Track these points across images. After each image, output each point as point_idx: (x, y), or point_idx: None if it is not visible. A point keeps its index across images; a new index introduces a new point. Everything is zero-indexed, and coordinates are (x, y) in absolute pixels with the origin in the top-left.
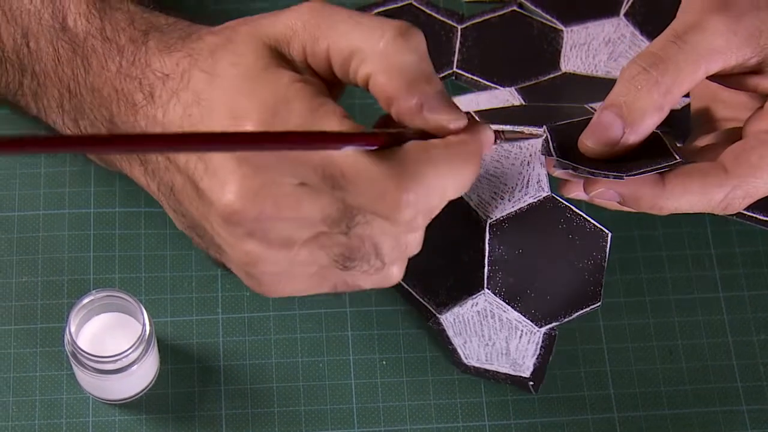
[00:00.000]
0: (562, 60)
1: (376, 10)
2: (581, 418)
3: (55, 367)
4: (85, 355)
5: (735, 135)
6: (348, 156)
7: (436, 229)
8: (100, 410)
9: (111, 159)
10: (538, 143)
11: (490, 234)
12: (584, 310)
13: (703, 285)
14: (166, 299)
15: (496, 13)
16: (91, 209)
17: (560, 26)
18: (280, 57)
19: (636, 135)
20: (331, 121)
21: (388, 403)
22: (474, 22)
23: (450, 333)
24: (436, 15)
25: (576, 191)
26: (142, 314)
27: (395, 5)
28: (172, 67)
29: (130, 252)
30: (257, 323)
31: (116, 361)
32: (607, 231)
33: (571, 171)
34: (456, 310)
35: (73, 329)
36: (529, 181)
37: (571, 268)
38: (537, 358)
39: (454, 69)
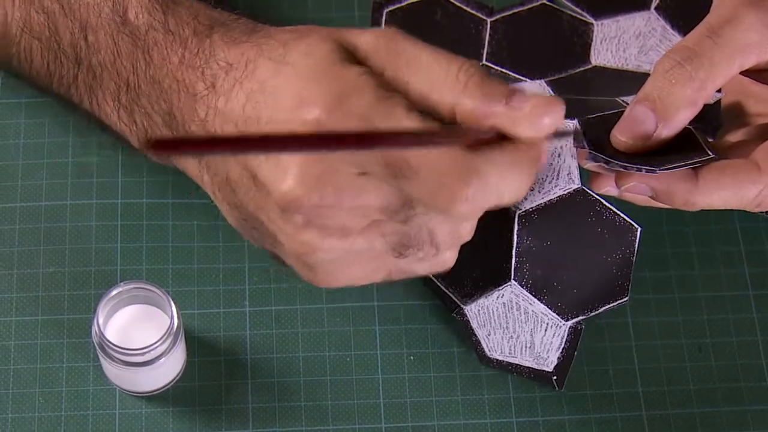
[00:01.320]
0: (592, 53)
1: (406, 2)
2: (609, 416)
3: (82, 358)
4: (113, 347)
5: (767, 131)
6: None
7: None
8: (127, 402)
9: None
10: (569, 136)
11: (518, 225)
12: (611, 305)
13: (732, 282)
14: (193, 291)
15: (526, 6)
16: (119, 200)
17: (590, 19)
18: (353, 60)
19: (669, 130)
20: (398, 112)
21: (415, 398)
22: (503, 15)
23: (474, 324)
24: (465, 7)
25: (607, 186)
26: (171, 307)
27: None
28: (236, 57)
29: (157, 243)
30: (284, 316)
31: (144, 353)
32: (637, 225)
33: (603, 164)
34: (481, 301)
35: (101, 321)
36: (559, 173)
37: (599, 261)
38: (561, 353)
39: (483, 62)
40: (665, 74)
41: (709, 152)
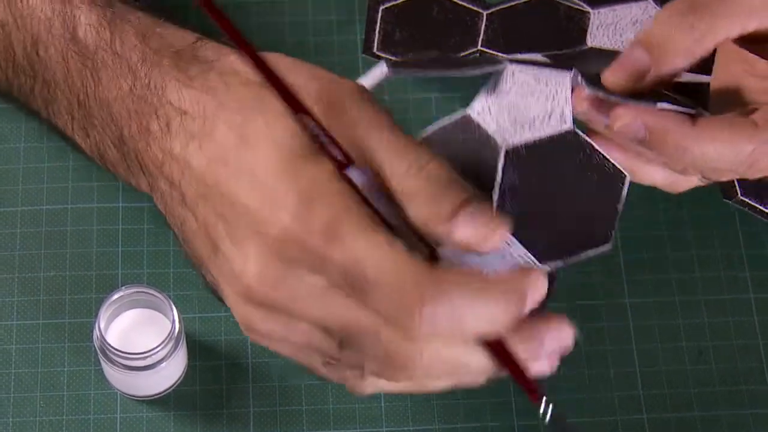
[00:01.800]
0: (588, 38)
1: None
2: (610, 419)
3: (83, 362)
4: (114, 351)
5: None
6: (375, 260)
7: (447, 154)
8: (128, 406)
9: (117, 171)
10: (565, 80)
11: (505, 161)
12: (593, 252)
13: (733, 285)
14: (194, 295)
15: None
16: (120, 203)
17: (587, 8)
18: (312, 142)
19: (663, 70)
20: (364, 225)
21: (416, 402)
22: (500, 7)
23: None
24: (461, 2)
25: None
26: (172, 311)
27: None
28: (191, 104)
29: (158, 247)
30: None
31: (145, 358)
32: (625, 173)
33: (601, 94)
34: None
35: (102, 325)
36: (552, 114)
37: (584, 206)
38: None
39: (479, 47)
40: (666, 20)
41: (703, 111)
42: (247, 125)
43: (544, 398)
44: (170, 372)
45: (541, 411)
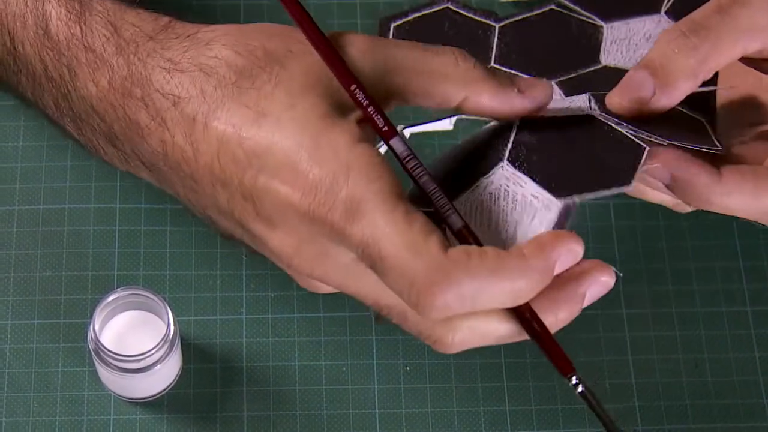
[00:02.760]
0: (602, 54)
1: (413, 15)
2: (605, 430)
3: (78, 363)
4: (109, 353)
5: None
6: (391, 241)
7: None
8: (122, 408)
9: (114, 164)
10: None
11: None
12: (612, 190)
13: (731, 298)
14: (190, 298)
15: (534, 12)
16: (117, 204)
17: (600, 22)
18: (336, 99)
19: (667, 98)
20: (383, 201)
21: (411, 409)
22: (512, 20)
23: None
24: (473, 16)
25: None
26: (167, 314)
27: (432, 9)
28: (184, 88)
29: (155, 249)
30: (281, 325)
31: (140, 360)
32: (644, 145)
33: (613, 122)
34: (464, 198)
35: (97, 327)
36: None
37: (602, 152)
38: None
39: (492, 64)
40: (669, 43)
41: (718, 144)
42: (263, 99)
43: (574, 375)
44: (164, 374)
45: (571, 386)
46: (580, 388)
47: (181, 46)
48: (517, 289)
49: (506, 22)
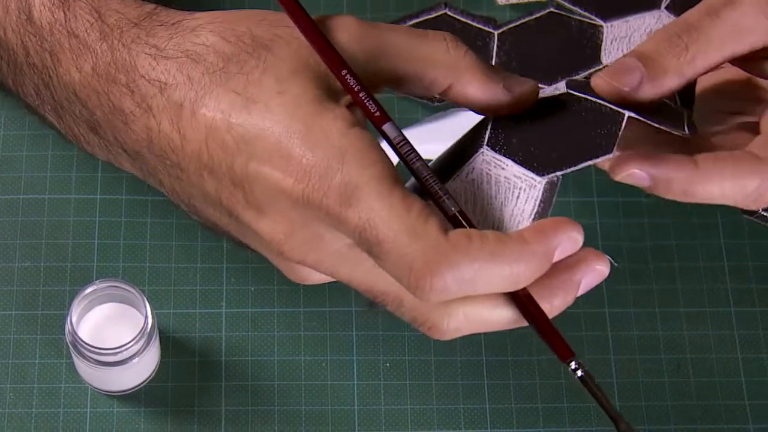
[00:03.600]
0: (603, 53)
1: (411, 22)
2: (586, 430)
3: (55, 355)
4: (86, 346)
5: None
6: (388, 225)
7: None
8: (99, 401)
9: (95, 152)
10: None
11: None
12: (595, 160)
13: (714, 298)
14: (169, 291)
15: (533, 16)
16: (98, 195)
17: (599, 22)
18: (326, 84)
19: (652, 89)
20: (379, 185)
21: (390, 406)
22: (511, 26)
23: None
24: (471, 23)
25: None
26: (145, 307)
27: (429, 16)
28: (170, 75)
29: (135, 241)
30: (261, 319)
31: (117, 353)
32: (623, 112)
33: (583, 95)
34: (447, 186)
35: (74, 319)
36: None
37: (586, 113)
38: (535, 216)
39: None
40: (660, 42)
41: (686, 131)
42: (251, 85)
43: (573, 360)
44: (142, 368)
45: (571, 371)
46: (579, 373)
47: (167, 33)
48: (517, 273)
49: (505, 28)
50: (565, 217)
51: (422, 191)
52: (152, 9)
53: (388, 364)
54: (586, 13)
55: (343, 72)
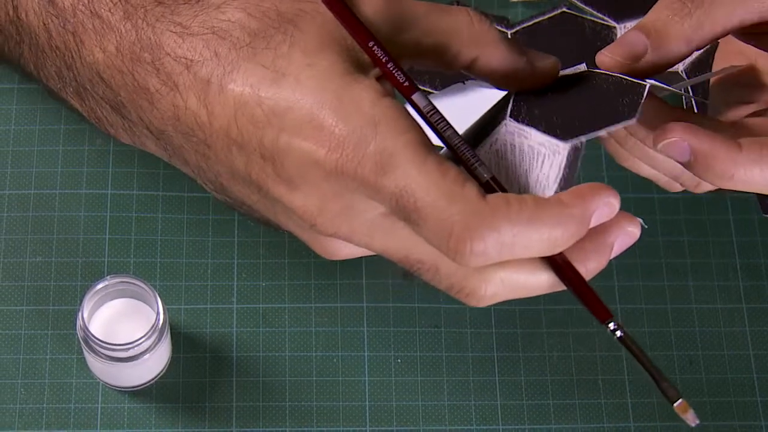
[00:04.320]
0: None
1: None
2: (597, 426)
3: (66, 350)
4: (97, 342)
5: None
6: (426, 191)
7: None
8: (110, 397)
9: (117, 134)
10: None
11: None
12: (618, 125)
13: (726, 295)
14: (180, 286)
15: (546, 16)
16: (108, 190)
17: (613, 23)
18: (353, 57)
19: (658, 56)
20: (415, 152)
21: (401, 402)
22: (523, 26)
23: None
24: None
25: (633, 156)
26: (157, 303)
27: None
28: (196, 51)
29: (146, 236)
30: (272, 315)
31: (128, 349)
32: (645, 83)
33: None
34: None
35: (86, 315)
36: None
37: (606, 86)
38: (560, 182)
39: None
40: (664, 8)
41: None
42: (279, 59)
43: (612, 321)
44: (153, 363)
45: (610, 332)
46: (618, 334)
47: (191, 11)
48: (555, 237)
49: (518, 28)
50: (601, 183)
51: (454, 159)
52: None
53: (399, 360)
54: (599, 14)
55: (370, 44)
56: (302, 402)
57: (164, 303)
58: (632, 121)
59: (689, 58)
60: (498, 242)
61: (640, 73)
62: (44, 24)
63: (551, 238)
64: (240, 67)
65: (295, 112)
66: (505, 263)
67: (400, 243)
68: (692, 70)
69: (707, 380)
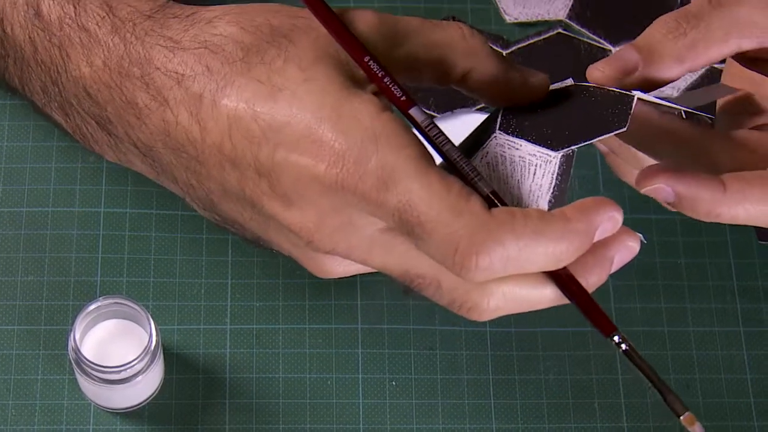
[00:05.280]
0: None
1: None
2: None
3: (58, 371)
4: (89, 364)
5: None
6: (429, 205)
7: None
8: (102, 418)
9: (103, 151)
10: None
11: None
12: (609, 134)
13: (723, 318)
14: (174, 306)
15: (542, 37)
16: (101, 208)
17: (608, 46)
18: (349, 72)
19: (648, 71)
20: (417, 166)
21: (396, 425)
22: (519, 46)
23: None
24: None
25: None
26: (150, 324)
27: None
28: (188, 66)
29: (139, 255)
30: (266, 336)
31: (120, 371)
32: (632, 94)
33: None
34: None
35: (77, 336)
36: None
37: (595, 98)
38: (553, 191)
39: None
40: (659, 28)
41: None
42: (274, 74)
43: (617, 334)
44: (146, 385)
45: (614, 345)
46: (623, 347)
47: (182, 26)
48: (560, 251)
49: (514, 48)
50: (605, 197)
51: (452, 173)
52: (164, 2)
53: (394, 383)
54: (594, 36)
55: (366, 59)
56: (296, 425)
57: (157, 324)
58: (622, 129)
59: (683, 84)
60: (503, 256)
61: (629, 88)
62: (30, 38)
63: (556, 252)
64: (234, 82)
65: (292, 126)
66: (508, 277)
67: (400, 258)
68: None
69: (704, 404)
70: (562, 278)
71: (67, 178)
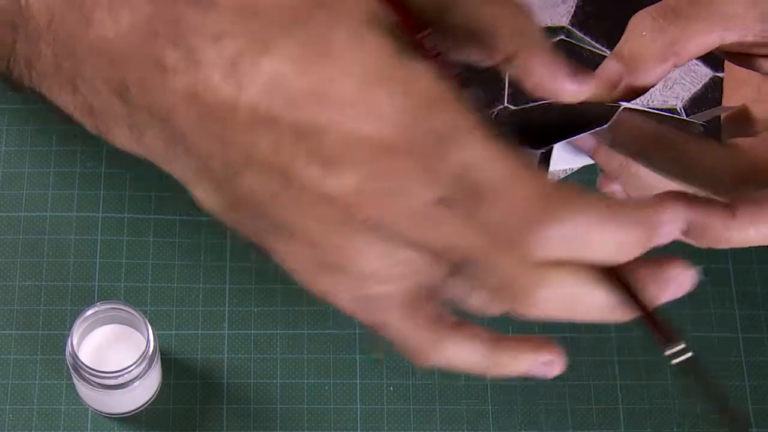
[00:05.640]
0: None
1: None
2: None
3: (55, 375)
4: (87, 369)
5: None
6: (491, 168)
7: None
8: (99, 423)
9: (109, 129)
10: None
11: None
12: (590, 130)
13: (722, 324)
14: (171, 311)
15: None
16: (100, 213)
17: (609, 53)
18: (399, 38)
19: (633, 79)
20: (479, 131)
21: (393, 431)
22: None
23: None
24: None
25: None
26: (147, 330)
27: None
28: (223, 27)
29: (137, 260)
30: (264, 341)
31: (118, 376)
32: (619, 104)
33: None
34: None
35: (75, 341)
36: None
37: (578, 107)
38: None
39: (505, 104)
40: (636, 27)
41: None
42: (320, 38)
43: (678, 343)
44: (143, 390)
45: (673, 354)
46: (688, 354)
47: None
48: (627, 240)
49: None
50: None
51: None
52: None
53: (391, 388)
54: (597, 44)
55: (420, 35)
56: (294, 430)
57: (155, 329)
58: (604, 126)
59: (687, 94)
60: (564, 234)
61: (617, 99)
62: (47, 4)
63: (622, 241)
64: (277, 44)
65: (342, 88)
66: (563, 268)
67: (448, 230)
68: (691, 107)
69: (702, 410)
70: (623, 277)
71: (65, 183)
